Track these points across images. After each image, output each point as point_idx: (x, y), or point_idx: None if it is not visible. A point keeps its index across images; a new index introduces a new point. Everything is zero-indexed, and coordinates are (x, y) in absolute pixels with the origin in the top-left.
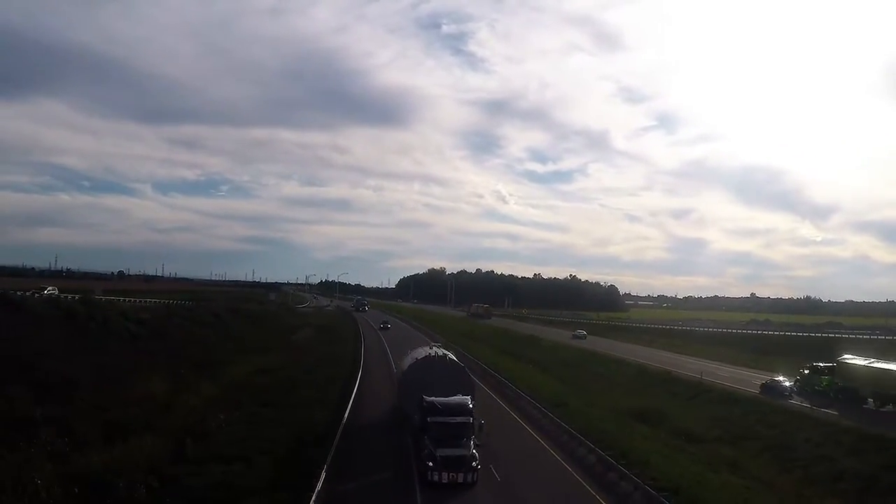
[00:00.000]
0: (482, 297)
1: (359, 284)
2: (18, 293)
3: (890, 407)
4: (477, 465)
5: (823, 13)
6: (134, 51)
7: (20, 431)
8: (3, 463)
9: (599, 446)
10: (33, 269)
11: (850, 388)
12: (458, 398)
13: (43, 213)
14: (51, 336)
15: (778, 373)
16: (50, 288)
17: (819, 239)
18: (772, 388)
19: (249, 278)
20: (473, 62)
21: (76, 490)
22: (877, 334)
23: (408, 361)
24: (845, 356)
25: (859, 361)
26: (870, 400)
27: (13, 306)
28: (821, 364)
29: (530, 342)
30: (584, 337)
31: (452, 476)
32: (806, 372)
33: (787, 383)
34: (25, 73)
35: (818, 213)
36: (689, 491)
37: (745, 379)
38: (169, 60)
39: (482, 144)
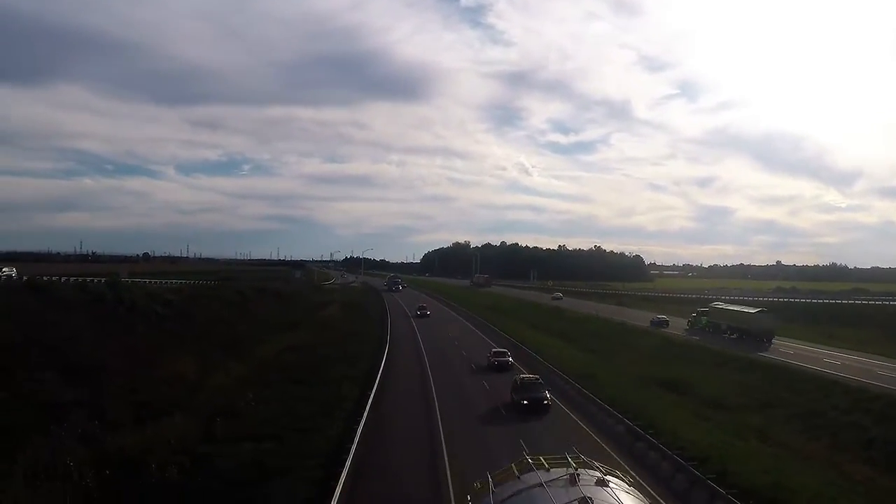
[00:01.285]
0: (507, 269)
1: (384, 260)
2: (45, 278)
3: (736, 336)
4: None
5: None
6: (151, 33)
7: (51, 416)
8: (36, 447)
9: (627, 416)
10: (58, 253)
11: (716, 324)
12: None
13: (66, 198)
14: (79, 320)
15: (668, 315)
16: (6, 269)
17: (844, 205)
18: (658, 323)
19: (274, 257)
20: (493, 34)
21: (108, 472)
22: None
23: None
24: (716, 302)
25: (722, 306)
26: (729, 331)
27: (41, 292)
28: (701, 308)
29: (555, 314)
30: (561, 298)
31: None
32: (694, 315)
33: (666, 318)
34: (43, 58)
35: (843, 179)
36: (718, 459)
37: (772, 347)
38: (186, 42)
39: (504, 117)
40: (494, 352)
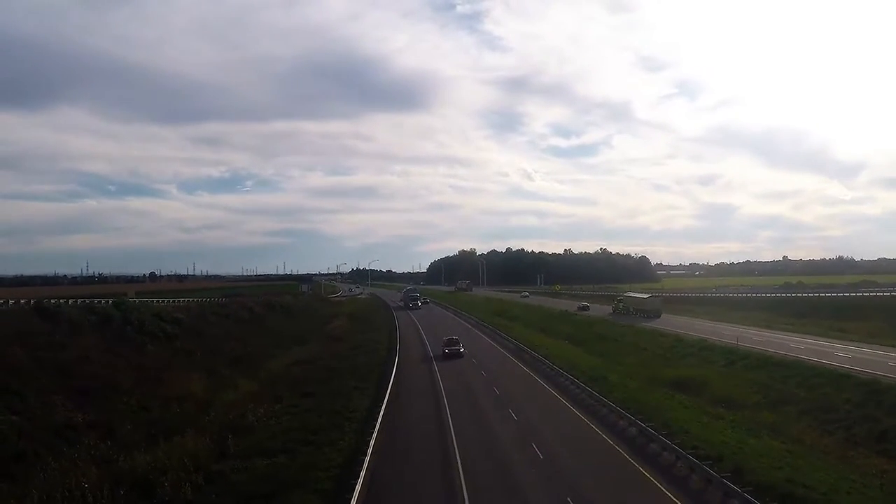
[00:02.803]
0: (513, 275)
1: (390, 271)
2: (53, 301)
3: (638, 314)
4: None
5: None
6: (150, 52)
7: (63, 438)
8: (49, 470)
9: (639, 418)
10: (65, 276)
11: (626, 308)
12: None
13: (71, 221)
14: (88, 342)
15: (597, 303)
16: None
17: (848, 198)
18: (582, 308)
19: (280, 271)
20: (490, 41)
21: (122, 492)
22: None
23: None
24: (628, 292)
25: (629, 295)
26: (634, 312)
27: (48, 315)
28: (617, 297)
29: (562, 317)
30: (528, 296)
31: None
32: (615, 302)
33: (588, 304)
34: (44, 81)
35: (846, 172)
36: (732, 458)
37: (784, 343)
38: (185, 60)
39: (504, 123)
40: (446, 339)
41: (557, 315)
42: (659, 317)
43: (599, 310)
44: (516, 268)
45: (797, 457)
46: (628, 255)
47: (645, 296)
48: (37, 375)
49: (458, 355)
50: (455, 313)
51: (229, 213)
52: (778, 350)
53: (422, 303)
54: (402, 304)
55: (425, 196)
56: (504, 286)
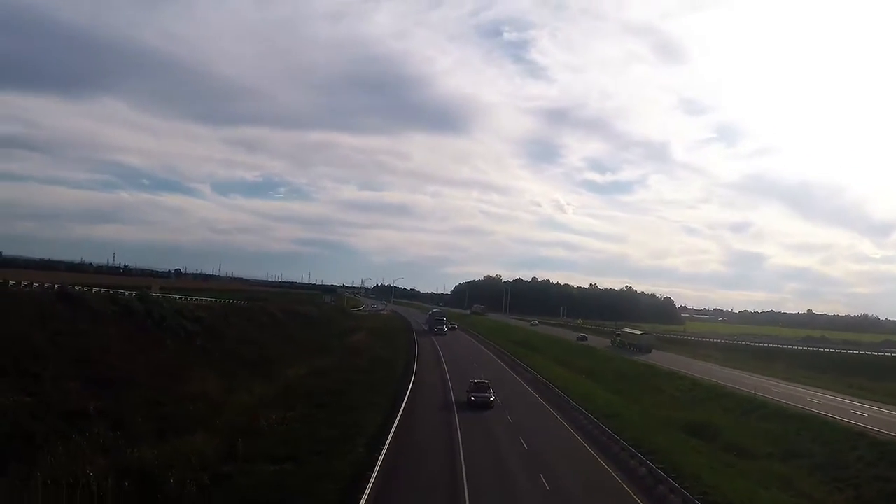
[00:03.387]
0: (537, 305)
1: (414, 290)
2: (77, 288)
3: (632, 348)
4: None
5: (885, 25)
6: (195, 51)
7: (74, 424)
8: (57, 454)
9: (650, 459)
10: (91, 264)
11: (623, 342)
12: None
13: (102, 210)
14: (108, 332)
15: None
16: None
17: (878, 256)
18: (582, 338)
19: (305, 280)
20: (534, 70)
21: (127, 484)
22: None
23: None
24: (624, 329)
25: (626, 329)
26: (629, 346)
27: (72, 301)
28: (616, 332)
29: (584, 351)
30: (537, 325)
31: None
32: (614, 335)
33: (587, 335)
34: (89, 72)
35: (877, 230)
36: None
37: (800, 396)
38: (230, 62)
39: (541, 153)
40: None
41: (577, 348)
42: (650, 352)
43: (598, 342)
44: (541, 298)
45: None
46: (653, 295)
47: (639, 332)
48: (55, 360)
49: (488, 405)
50: (482, 342)
51: (260, 217)
52: (794, 402)
53: (448, 328)
54: (426, 327)
55: (456, 219)
56: (527, 315)
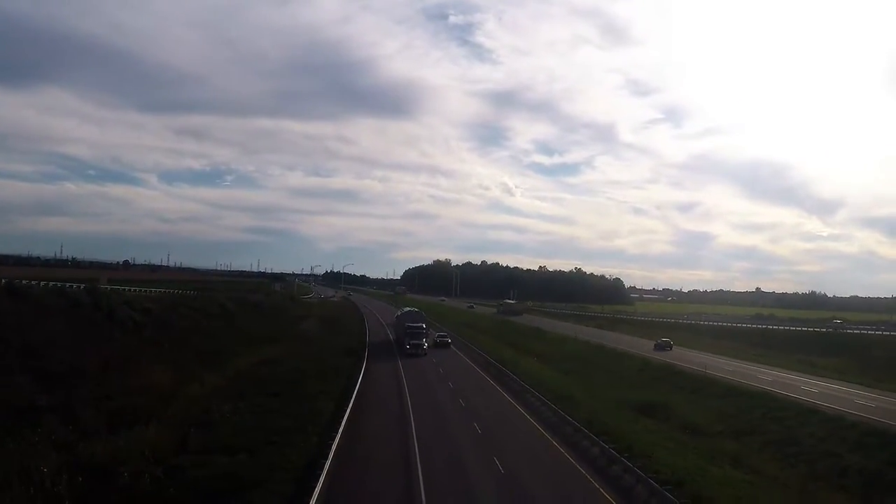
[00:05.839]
0: (486, 288)
1: (364, 275)
2: (23, 282)
3: (508, 313)
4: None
5: (830, 8)
6: (140, 41)
7: (24, 420)
8: (7, 452)
9: (603, 439)
10: (38, 258)
11: (504, 309)
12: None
13: (48, 202)
14: (56, 325)
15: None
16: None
17: (825, 234)
18: (470, 307)
19: (255, 269)
20: (480, 53)
21: (81, 479)
22: (881, 329)
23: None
24: (505, 300)
25: (506, 300)
26: (506, 311)
27: (18, 295)
28: (500, 302)
29: (534, 333)
30: (473, 307)
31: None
32: (498, 304)
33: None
34: (32, 61)
35: (824, 208)
36: (693, 484)
37: (751, 373)
38: (175, 50)
39: (489, 136)
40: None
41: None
42: (521, 315)
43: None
44: (490, 281)
45: (757, 488)
46: (602, 277)
47: (513, 301)
48: (2, 355)
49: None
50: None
51: (207, 206)
52: (745, 380)
53: (439, 341)
54: (393, 336)
55: (404, 204)
56: (477, 299)
